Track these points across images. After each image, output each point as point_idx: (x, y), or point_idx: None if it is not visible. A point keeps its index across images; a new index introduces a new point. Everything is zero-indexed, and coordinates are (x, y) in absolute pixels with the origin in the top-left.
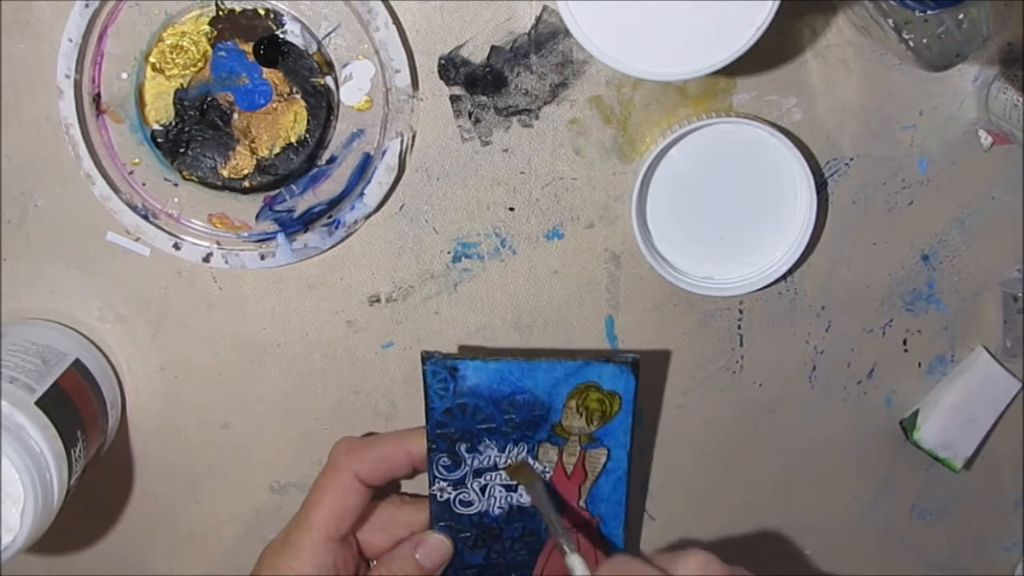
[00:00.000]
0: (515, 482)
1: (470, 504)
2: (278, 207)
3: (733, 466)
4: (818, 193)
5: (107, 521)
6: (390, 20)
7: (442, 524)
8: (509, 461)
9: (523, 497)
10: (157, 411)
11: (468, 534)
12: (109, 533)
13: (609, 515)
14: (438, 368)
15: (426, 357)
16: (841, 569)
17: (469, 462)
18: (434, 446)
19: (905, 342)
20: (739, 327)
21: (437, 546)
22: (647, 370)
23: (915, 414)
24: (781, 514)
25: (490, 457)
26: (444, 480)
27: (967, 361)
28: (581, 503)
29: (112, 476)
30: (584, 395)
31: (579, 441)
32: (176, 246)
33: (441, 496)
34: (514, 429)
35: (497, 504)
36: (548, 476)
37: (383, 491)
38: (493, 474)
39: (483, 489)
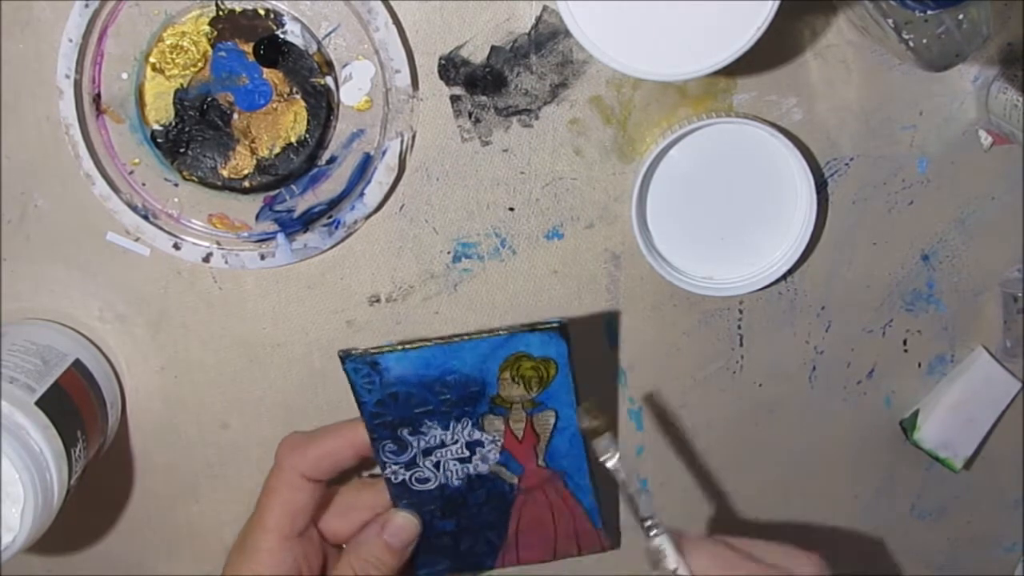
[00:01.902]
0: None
1: (427, 481)
2: (278, 207)
3: (733, 466)
4: (818, 193)
5: (107, 521)
6: (390, 20)
7: (404, 503)
8: (456, 437)
9: (480, 466)
10: (157, 411)
11: (433, 507)
12: (109, 533)
13: (573, 468)
14: (359, 365)
15: (344, 356)
16: (841, 569)
17: (415, 444)
18: (376, 435)
19: (905, 342)
20: (739, 327)
21: (404, 524)
22: (648, 370)
23: (915, 414)
24: (781, 514)
25: (435, 436)
26: (395, 464)
27: (967, 361)
28: (540, 462)
29: (112, 476)
30: (516, 365)
31: (523, 407)
32: (176, 246)
33: (396, 478)
34: (452, 407)
35: (455, 476)
36: (500, 443)
37: (343, 475)
38: (442, 451)
39: (436, 465)
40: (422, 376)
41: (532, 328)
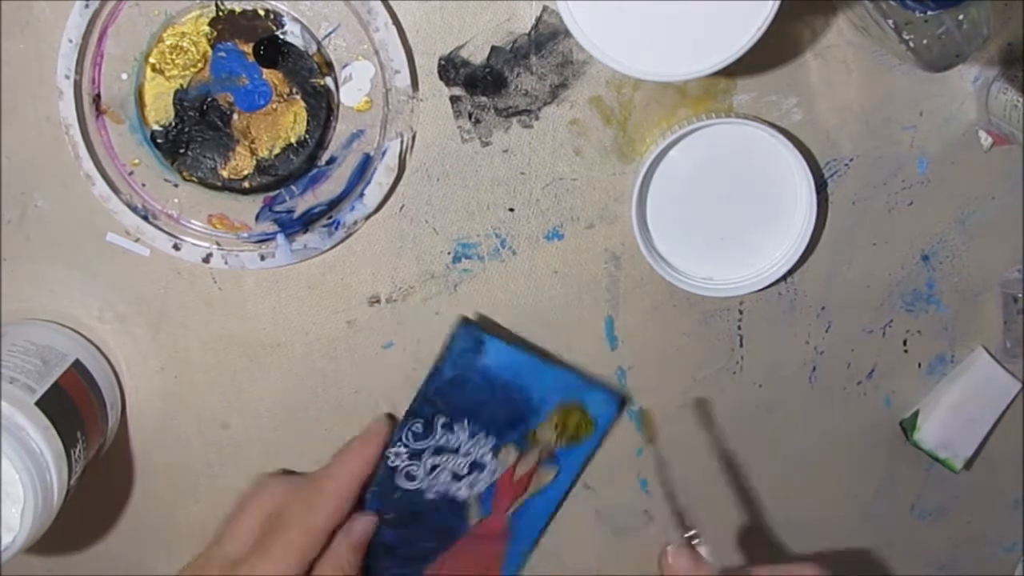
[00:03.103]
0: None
1: (413, 479)
2: (278, 208)
3: (733, 466)
4: (818, 193)
5: (107, 521)
6: (390, 20)
7: (374, 489)
8: (470, 451)
9: (461, 491)
10: (157, 411)
11: (392, 515)
12: (109, 533)
13: (524, 533)
14: (468, 334)
15: (463, 322)
16: (841, 569)
17: (438, 437)
18: (418, 410)
19: (905, 342)
20: (739, 327)
21: (363, 523)
22: (648, 370)
23: (915, 414)
24: (781, 514)
25: (457, 440)
26: (404, 447)
27: (967, 361)
28: (510, 512)
29: (112, 476)
30: (568, 414)
31: (539, 453)
32: (176, 247)
33: (392, 461)
34: (493, 423)
35: (436, 489)
36: (496, 477)
37: None
38: (450, 458)
39: (432, 468)
40: (505, 379)
41: (604, 384)
